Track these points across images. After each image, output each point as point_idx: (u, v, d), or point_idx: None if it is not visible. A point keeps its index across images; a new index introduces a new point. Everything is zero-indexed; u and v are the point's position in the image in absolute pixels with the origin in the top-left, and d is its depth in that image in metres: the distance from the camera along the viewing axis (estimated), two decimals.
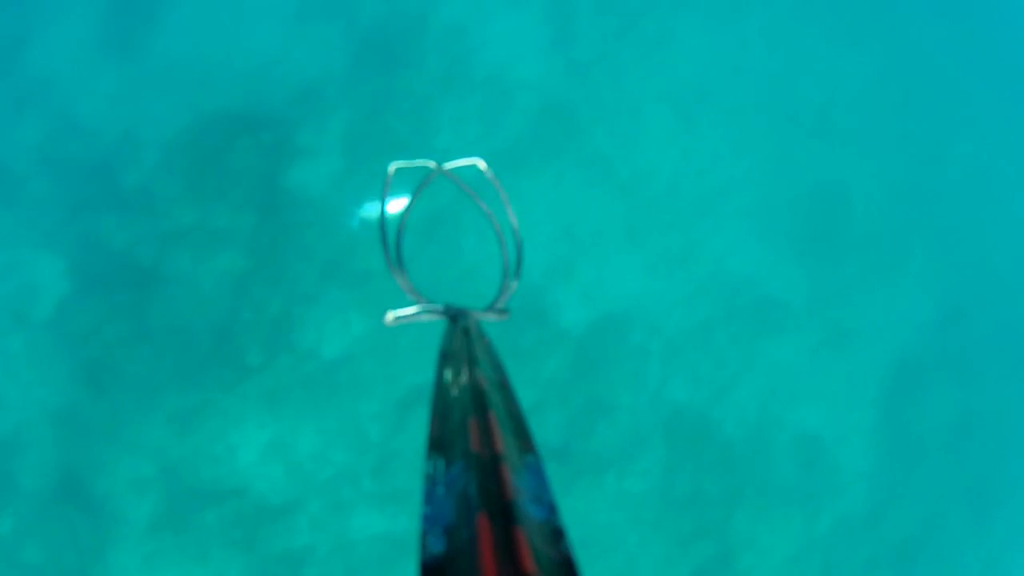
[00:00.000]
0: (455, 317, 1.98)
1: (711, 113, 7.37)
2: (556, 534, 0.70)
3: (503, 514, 0.68)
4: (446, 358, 1.46)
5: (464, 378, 1.21)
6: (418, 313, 2.28)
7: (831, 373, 7.73)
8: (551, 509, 0.75)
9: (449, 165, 2.87)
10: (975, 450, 8.35)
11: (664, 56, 7.33)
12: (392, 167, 2.86)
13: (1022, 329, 8.36)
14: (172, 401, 7.73)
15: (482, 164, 3.01)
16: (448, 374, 1.34)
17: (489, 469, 0.80)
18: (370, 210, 7.55)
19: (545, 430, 7.58)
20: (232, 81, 7.62)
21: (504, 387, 1.24)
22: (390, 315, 2.25)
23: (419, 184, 2.68)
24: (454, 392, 1.21)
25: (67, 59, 7.62)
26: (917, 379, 8.08)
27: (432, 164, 2.89)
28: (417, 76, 7.45)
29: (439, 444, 0.99)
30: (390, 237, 2.59)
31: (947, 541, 8.45)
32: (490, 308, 2.52)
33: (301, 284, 7.71)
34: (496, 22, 7.43)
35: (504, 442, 0.89)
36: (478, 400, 1.06)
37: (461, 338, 1.57)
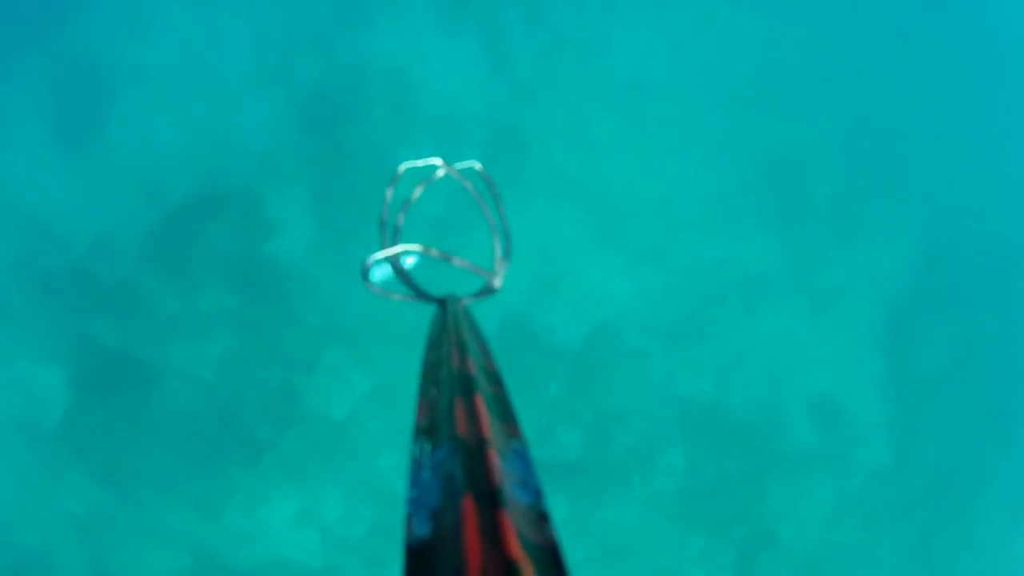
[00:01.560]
0: (444, 302, 1.99)
1: (657, 108, 7.42)
2: (541, 519, 0.70)
3: (489, 498, 0.68)
4: (434, 343, 1.44)
5: (453, 363, 1.20)
6: (408, 296, 2.39)
7: (829, 334, 7.77)
8: (537, 494, 0.75)
9: (444, 170, 3.07)
10: (984, 377, 8.39)
11: (601, 62, 7.39)
12: (402, 167, 3.02)
13: (1004, 251, 8.39)
14: (193, 488, 7.81)
15: (478, 165, 3.20)
16: (436, 359, 1.32)
17: (476, 453, 0.79)
18: (377, 266, 7.59)
19: (561, 449, 7.63)
20: (190, 164, 7.69)
21: (492, 373, 1.23)
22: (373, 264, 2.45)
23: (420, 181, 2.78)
24: (441, 376, 1.20)
25: (23, 168, 7.71)
26: (913, 321, 8.11)
27: (439, 161, 3.06)
28: (367, 127, 7.52)
29: (426, 428, 0.99)
30: (389, 224, 2.74)
31: (975, 470, 8.48)
32: (481, 291, 2.64)
33: (298, 352, 7.78)
34: (433, 59, 7.50)
35: (491, 427, 0.88)
36: (466, 385, 1.04)
37: (450, 323, 1.55)
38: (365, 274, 2.67)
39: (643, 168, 7.32)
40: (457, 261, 2.40)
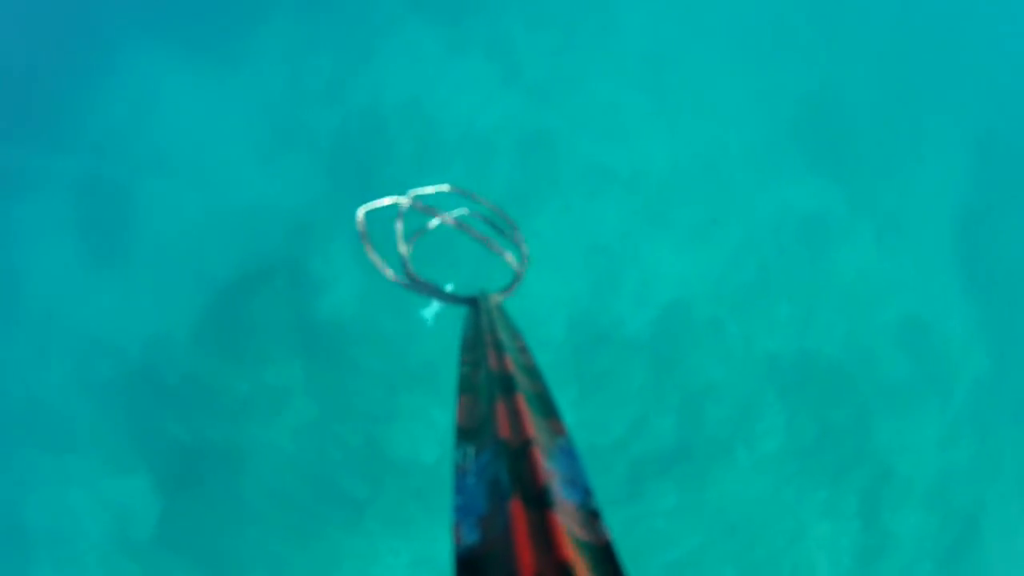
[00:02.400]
0: (475, 301, 1.92)
1: (679, 76, 7.27)
2: (593, 517, 0.67)
3: (537, 499, 0.65)
4: (470, 345, 1.42)
5: (490, 363, 1.17)
6: (440, 296, 2.30)
7: (901, 259, 7.56)
8: (586, 492, 0.73)
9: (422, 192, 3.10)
10: None
11: (612, 44, 7.25)
12: (411, 194, 2.99)
13: None
14: (301, 562, 7.73)
15: (445, 187, 3.11)
16: (473, 360, 1.28)
17: (520, 454, 0.77)
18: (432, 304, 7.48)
19: (657, 439, 7.47)
20: (226, 243, 7.65)
21: (532, 370, 1.20)
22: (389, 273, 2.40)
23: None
24: (480, 377, 1.17)
25: (59, 285, 7.69)
26: (981, 225, 7.88)
27: (446, 187, 3.03)
28: (393, 165, 7.44)
29: (468, 432, 0.95)
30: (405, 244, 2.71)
31: None
32: (508, 288, 2.55)
33: (374, 404, 7.68)
34: (444, 82, 7.40)
35: (534, 425, 0.86)
36: (505, 384, 1.02)
37: (484, 322, 1.51)
38: (362, 233, 2.79)
39: (678, 139, 7.17)
40: (496, 296, 2.32)
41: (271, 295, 7.61)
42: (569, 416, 7.45)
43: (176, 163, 7.78)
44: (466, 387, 1.16)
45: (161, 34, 7.92)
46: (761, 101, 7.23)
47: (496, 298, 2.25)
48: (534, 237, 7.24)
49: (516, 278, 2.75)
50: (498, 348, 1.22)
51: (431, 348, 7.53)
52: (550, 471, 0.74)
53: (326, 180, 7.56)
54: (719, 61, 7.23)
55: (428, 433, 7.63)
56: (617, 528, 7.65)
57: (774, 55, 7.26)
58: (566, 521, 0.63)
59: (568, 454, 0.83)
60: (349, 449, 7.70)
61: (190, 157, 7.77)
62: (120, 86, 7.84)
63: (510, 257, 2.96)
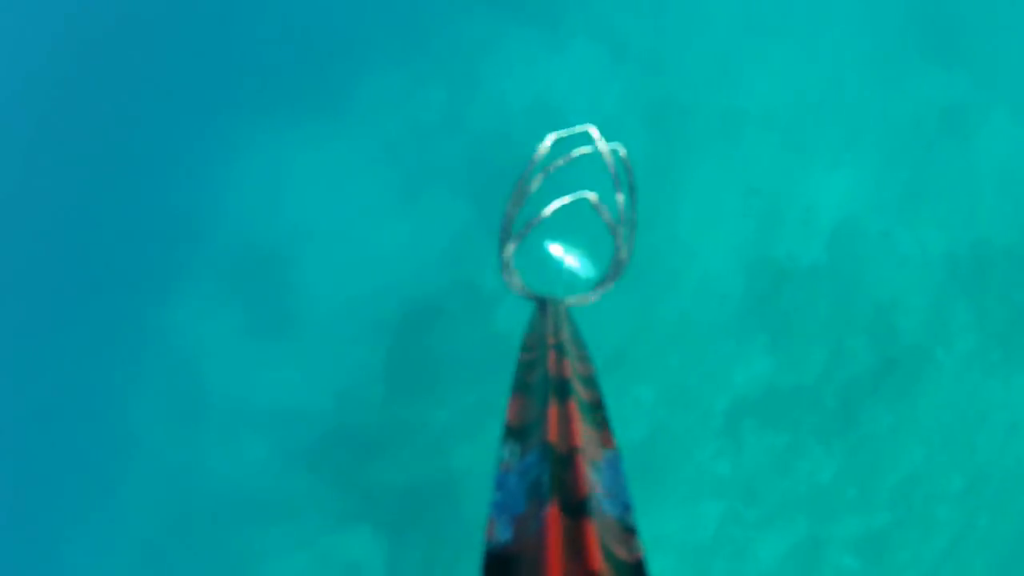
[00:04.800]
0: (544, 302, 1.93)
1: (782, 6, 7.44)
2: (629, 533, 0.68)
3: (575, 508, 0.66)
4: (530, 344, 1.42)
5: (548, 365, 1.17)
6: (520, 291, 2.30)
7: None
8: (626, 507, 0.73)
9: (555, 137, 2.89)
10: None
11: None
12: (548, 138, 2.81)
13: None
14: None
15: (622, 150, 2.90)
16: (531, 360, 1.28)
17: (566, 460, 0.78)
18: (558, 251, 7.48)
19: (859, 363, 7.43)
20: (389, 287, 7.69)
21: (588, 379, 1.20)
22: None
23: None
24: (536, 378, 1.17)
25: (236, 363, 7.78)
26: None
27: (593, 131, 2.84)
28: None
29: (516, 431, 0.95)
30: (511, 219, 2.65)
31: None
32: (588, 291, 2.50)
33: None
34: (558, 79, 7.60)
35: (584, 434, 0.86)
36: (561, 388, 1.02)
37: (549, 324, 1.51)
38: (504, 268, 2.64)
39: (797, 67, 7.28)
40: (568, 301, 2.30)
41: (446, 324, 7.72)
42: (765, 363, 7.45)
43: (317, 225, 7.97)
44: (520, 386, 1.15)
45: (269, 106, 8.20)
46: (867, 8, 7.38)
47: (567, 303, 2.22)
48: (687, 201, 7.34)
49: (612, 276, 2.64)
50: (559, 352, 1.22)
51: (619, 335, 7.57)
52: (593, 482, 0.74)
53: (469, 204, 7.70)
54: None
55: (634, 413, 7.64)
56: (840, 460, 7.58)
57: None
58: (601, 533, 0.63)
59: (614, 468, 0.83)
60: None
61: (329, 216, 7.96)
62: (244, 166, 8.08)
63: (623, 252, 2.72)
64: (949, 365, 7.63)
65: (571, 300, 2.42)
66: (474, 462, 7.59)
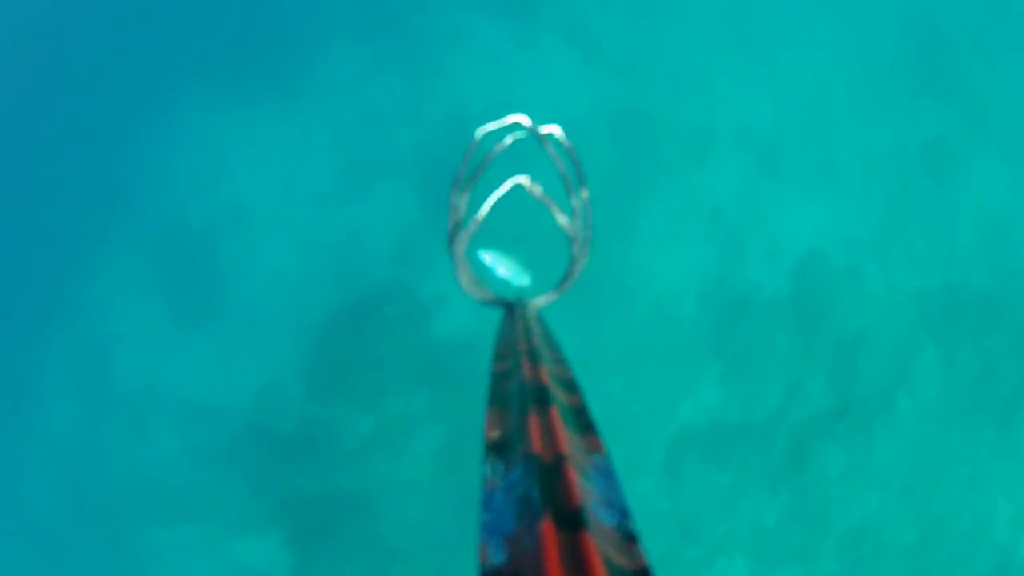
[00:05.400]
0: (512, 307, 1.81)
1: (764, 23, 7.02)
2: (629, 540, 0.66)
3: (570, 520, 0.63)
4: (503, 352, 1.34)
5: (524, 373, 1.10)
6: (480, 296, 2.18)
7: None
8: (623, 513, 0.71)
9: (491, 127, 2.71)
10: None
11: (686, 8, 7.01)
12: (479, 132, 2.67)
13: None
14: None
15: (558, 131, 2.76)
16: (504, 369, 1.21)
17: (553, 471, 0.74)
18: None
19: (812, 400, 7.02)
20: (323, 281, 7.25)
21: (567, 382, 1.12)
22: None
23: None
24: (511, 388, 1.10)
25: (153, 350, 7.27)
26: None
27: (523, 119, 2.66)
28: (488, 170, 7.15)
29: (497, 446, 0.91)
30: (458, 226, 2.50)
31: None
32: (553, 290, 2.34)
33: None
34: (524, 78, 7.15)
35: (568, 441, 0.83)
36: (539, 396, 0.97)
37: (519, 330, 1.43)
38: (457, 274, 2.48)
39: (775, 87, 6.87)
40: (535, 302, 2.15)
41: (379, 326, 7.21)
42: (714, 395, 6.99)
43: (256, 209, 7.45)
44: (496, 399, 1.10)
45: (217, 81, 7.69)
46: (855, 33, 6.97)
47: (538, 302, 2.11)
48: (646, 217, 6.88)
49: (569, 273, 2.49)
50: (533, 358, 1.16)
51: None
52: (585, 491, 0.71)
53: (418, 200, 7.22)
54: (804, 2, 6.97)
55: None
56: (787, 503, 7.13)
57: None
58: (601, 544, 0.60)
59: (605, 473, 0.80)
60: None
61: (270, 201, 7.45)
62: (184, 140, 7.57)
63: (577, 245, 2.55)
64: (910, 411, 7.20)
65: (539, 301, 2.30)
66: (395, 476, 7.08)
